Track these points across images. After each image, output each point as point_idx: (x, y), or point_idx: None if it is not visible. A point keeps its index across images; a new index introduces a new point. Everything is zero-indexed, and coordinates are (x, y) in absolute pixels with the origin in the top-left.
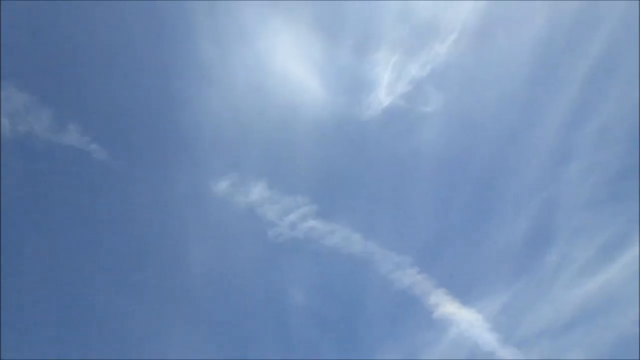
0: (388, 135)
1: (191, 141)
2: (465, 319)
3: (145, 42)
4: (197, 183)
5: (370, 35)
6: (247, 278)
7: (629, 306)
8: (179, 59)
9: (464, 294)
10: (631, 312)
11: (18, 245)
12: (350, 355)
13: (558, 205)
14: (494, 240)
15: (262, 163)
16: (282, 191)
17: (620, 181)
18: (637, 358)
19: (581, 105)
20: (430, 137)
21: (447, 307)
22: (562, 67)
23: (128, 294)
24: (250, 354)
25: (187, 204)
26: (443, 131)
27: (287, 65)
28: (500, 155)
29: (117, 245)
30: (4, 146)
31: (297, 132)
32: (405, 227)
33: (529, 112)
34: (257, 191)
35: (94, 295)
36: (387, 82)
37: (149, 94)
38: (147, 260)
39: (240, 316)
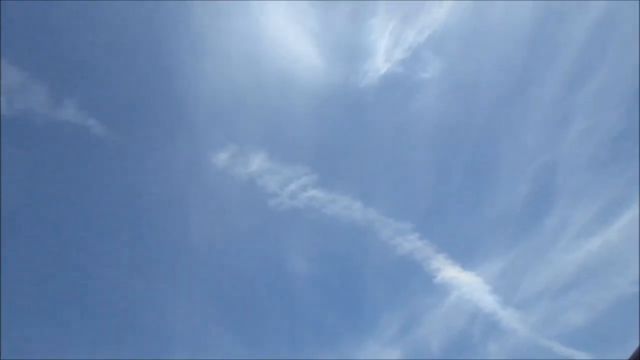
0: (386, 102)
1: (189, 113)
2: (466, 283)
3: (140, 15)
4: (197, 155)
5: (366, 0)
6: (250, 248)
7: (627, 266)
8: (174, 31)
9: (465, 258)
10: (629, 272)
11: (18, 222)
12: (354, 322)
13: (557, 168)
14: (493, 204)
15: (261, 133)
16: (282, 161)
17: (620, 143)
18: (636, 317)
19: (580, 67)
20: (428, 104)
21: (448, 272)
22: (562, 29)
23: (131, 267)
24: (254, 322)
25: (188, 177)
26: (442, 97)
27: (282, 33)
28: (499, 119)
29: (119, 220)
30: (1, 123)
31: (294, 102)
32: (405, 194)
33: (528, 75)
34: (257, 162)
35: (96, 268)
36: (384, 49)
37: (145, 67)
38: (149, 233)
39: (243, 286)
